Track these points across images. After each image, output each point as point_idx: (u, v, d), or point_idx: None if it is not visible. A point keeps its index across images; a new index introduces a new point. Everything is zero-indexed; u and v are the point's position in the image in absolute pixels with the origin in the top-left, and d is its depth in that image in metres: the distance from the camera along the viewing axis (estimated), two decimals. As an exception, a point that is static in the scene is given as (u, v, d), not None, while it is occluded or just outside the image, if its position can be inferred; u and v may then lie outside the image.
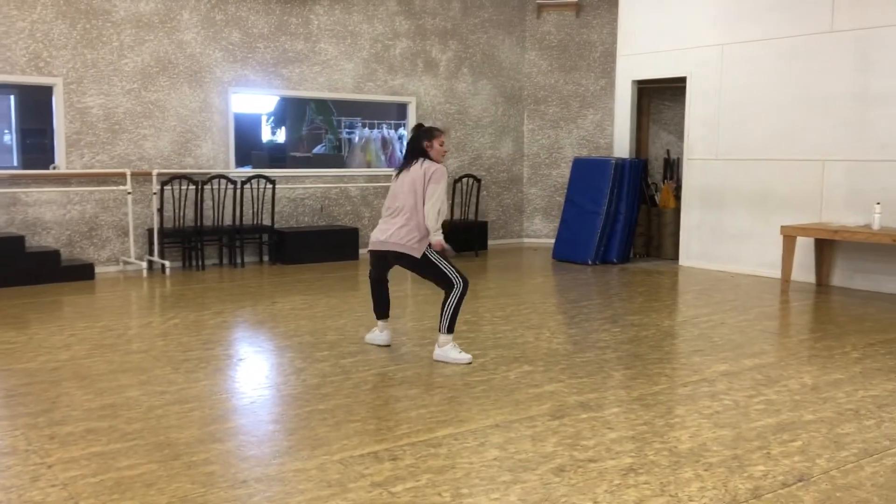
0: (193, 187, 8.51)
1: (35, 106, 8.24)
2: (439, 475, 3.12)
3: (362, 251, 9.80)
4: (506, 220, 11.24)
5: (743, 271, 8.49)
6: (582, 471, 3.17)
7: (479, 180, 10.33)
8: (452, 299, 4.77)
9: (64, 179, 8.09)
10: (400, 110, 10.79)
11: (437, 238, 4.77)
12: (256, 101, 10.68)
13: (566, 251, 9.47)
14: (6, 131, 11.30)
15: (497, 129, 11.06)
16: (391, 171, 10.51)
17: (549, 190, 11.22)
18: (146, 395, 4.11)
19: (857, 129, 7.54)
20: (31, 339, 5.34)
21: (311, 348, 5.15)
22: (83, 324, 5.84)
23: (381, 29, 9.96)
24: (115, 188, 8.26)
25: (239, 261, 8.87)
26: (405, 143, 5.09)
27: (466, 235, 9.96)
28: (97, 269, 8.14)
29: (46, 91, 8.08)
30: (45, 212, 8.03)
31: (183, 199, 8.47)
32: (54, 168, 8.12)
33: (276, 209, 9.29)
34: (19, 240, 7.53)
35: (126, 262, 8.43)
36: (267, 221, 9.13)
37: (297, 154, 12.57)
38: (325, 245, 9.21)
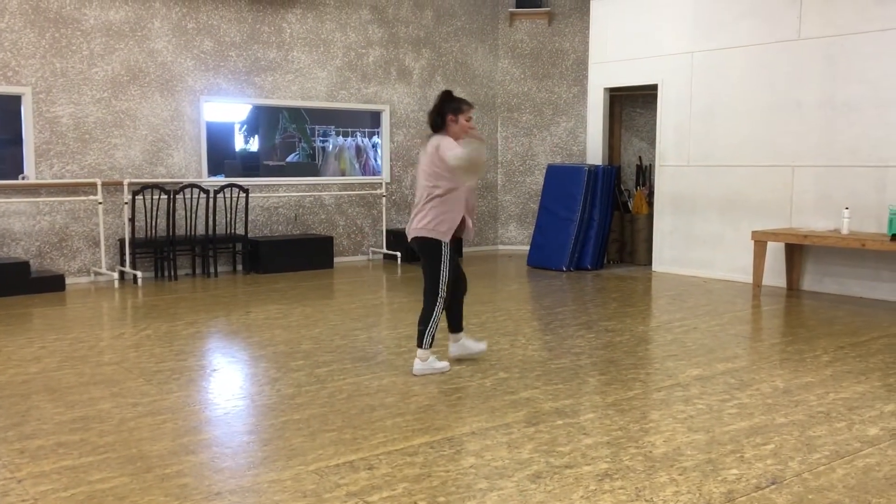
0: (165, 197, 8.44)
1: (3, 115, 8.13)
2: (416, 484, 3.12)
3: (337, 260, 9.78)
4: (481, 228, 11.27)
5: (715, 276, 8.57)
6: (558, 477, 3.18)
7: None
8: (429, 315, 4.64)
9: (33, 190, 7.99)
10: (374, 118, 10.79)
11: (466, 146, 4.39)
12: (229, 109, 10.61)
13: (541, 258, 9.51)
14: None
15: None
16: (365, 180, 10.52)
17: (524, 197, 11.26)
18: (118, 408, 4.06)
19: (826, 136, 7.66)
20: (0, 352, 5.26)
21: (285, 358, 5.12)
22: (53, 336, 5.76)
23: (354, 37, 9.96)
24: (85, 198, 8.17)
25: (212, 270, 8.80)
26: (435, 115, 4.57)
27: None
28: (68, 281, 8.04)
29: (15, 100, 7.98)
30: (13, 223, 7.92)
31: (155, 208, 8.39)
32: (23, 178, 8.02)
33: (250, 218, 9.24)
34: (-13, 251, 7.42)
35: (97, 273, 8.34)
36: (240, 231, 9.08)
37: (271, 163, 12.49)
38: (299, 254, 9.17)
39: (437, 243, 4.61)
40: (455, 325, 4.97)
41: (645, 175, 9.99)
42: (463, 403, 4.16)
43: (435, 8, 10.62)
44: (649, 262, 9.46)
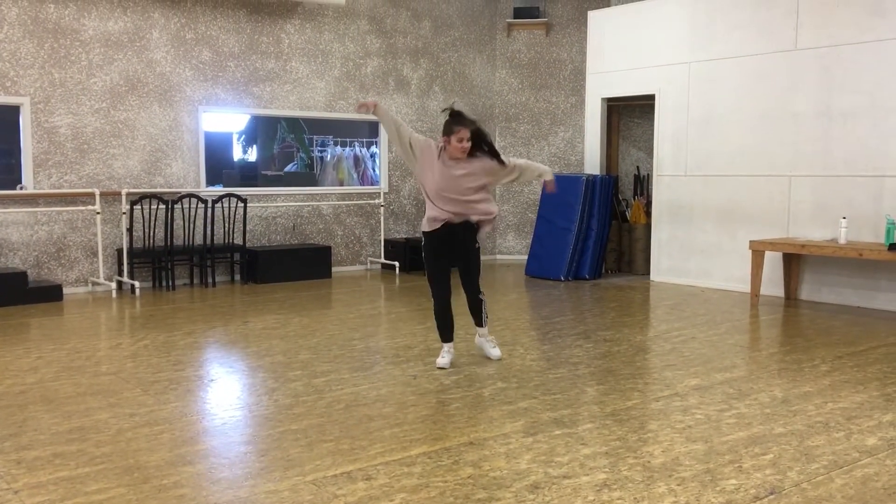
0: (164, 207, 8.44)
1: (1, 126, 8.14)
2: (413, 494, 3.11)
3: (335, 269, 9.77)
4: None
5: (713, 286, 8.58)
6: (556, 487, 3.17)
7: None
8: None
9: (31, 200, 7.99)
10: (372, 128, 10.81)
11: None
12: (227, 119, 10.63)
13: (539, 267, 9.51)
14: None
15: (469, 146, 11.09)
16: (363, 190, 10.53)
17: (522, 207, 11.28)
18: (115, 418, 4.05)
19: (823, 146, 7.68)
20: (-3, 363, 5.25)
21: (283, 368, 5.11)
22: (51, 346, 5.75)
23: (353, 48, 9.99)
24: (83, 208, 8.17)
25: (210, 280, 8.80)
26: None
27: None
28: (65, 291, 8.03)
29: (13, 111, 7.99)
30: (11, 233, 7.91)
31: (153, 218, 8.39)
32: (21, 188, 8.02)
33: (248, 228, 9.24)
34: (-15, 261, 7.42)
35: (95, 283, 8.33)
36: (238, 240, 9.07)
37: (269, 173, 12.51)
38: (297, 264, 9.17)
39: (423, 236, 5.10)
40: (473, 319, 5.31)
41: (642, 185, 10.01)
42: (461, 413, 4.15)
43: (433, 18, 10.65)
44: (647, 272, 9.46)
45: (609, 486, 3.19)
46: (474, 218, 4.97)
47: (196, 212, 8.71)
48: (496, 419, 4.05)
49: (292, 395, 4.49)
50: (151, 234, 8.38)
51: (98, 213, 8.15)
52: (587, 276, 9.32)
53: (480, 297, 5.15)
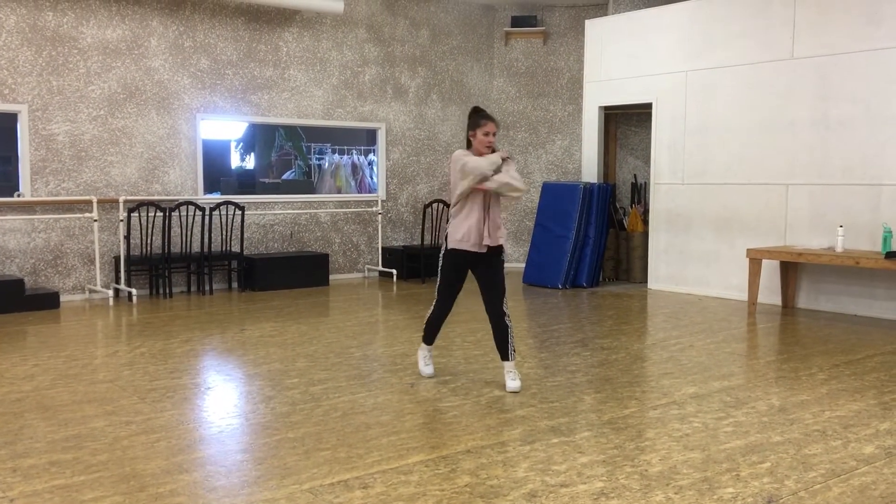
0: (161, 214, 8.43)
1: (-1, 133, 8.17)
2: (410, 503, 3.10)
3: (333, 277, 9.77)
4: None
5: (710, 294, 8.58)
6: (553, 496, 3.17)
7: (449, 206, 10.35)
8: (430, 312, 4.99)
9: (28, 207, 7.99)
10: (370, 136, 10.83)
11: (493, 181, 4.60)
12: (225, 127, 10.65)
13: (536, 275, 9.51)
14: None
15: (466, 154, 11.11)
16: (361, 197, 10.54)
17: (519, 214, 11.29)
18: (112, 426, 4.04)
19: (819, 154, 7.70)
20: (-6, 370, 5.24)
21: (280, 376, 5.11)
22: (47, 353, 5.74)
23: (351, 56, 10.01)
24: (80, 216, 8.17)
25: (207, 288, 8.79)
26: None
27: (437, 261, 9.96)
28: (62, 298, 8.02)
29: (11, 118, 7.99)
30: (8, 240, 7.91)
31: (150, 226, 8.39)
32: (18, 196, 8.01)
33: (246, 235, 9.23)
34: (-18, 268, 7.41)
35: (92, 291, 8.32)
36: (236, 248, 9.07)
37: (267, 180, 12.53)
38: (294, 271, 9.16)
39: (442, 250, 4.91)
40: (500, 354, 4.84)
41: (640, 193, 10.03)
42: (458, 421, 4.15)
43: (431, 27, 10.68)
44: (645, 280, 9.47)
45: (606, 494, 3.18)
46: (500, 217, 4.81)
47: (193, 219, 8.71)
48: (493, 427, 4.04)
49: (289, 402, 4.48)
50: (149, 241, 8.37)
51: (95, 220, 8.15)
52: (585, 284, 9.33)
53: (507, 321, 4.73)
